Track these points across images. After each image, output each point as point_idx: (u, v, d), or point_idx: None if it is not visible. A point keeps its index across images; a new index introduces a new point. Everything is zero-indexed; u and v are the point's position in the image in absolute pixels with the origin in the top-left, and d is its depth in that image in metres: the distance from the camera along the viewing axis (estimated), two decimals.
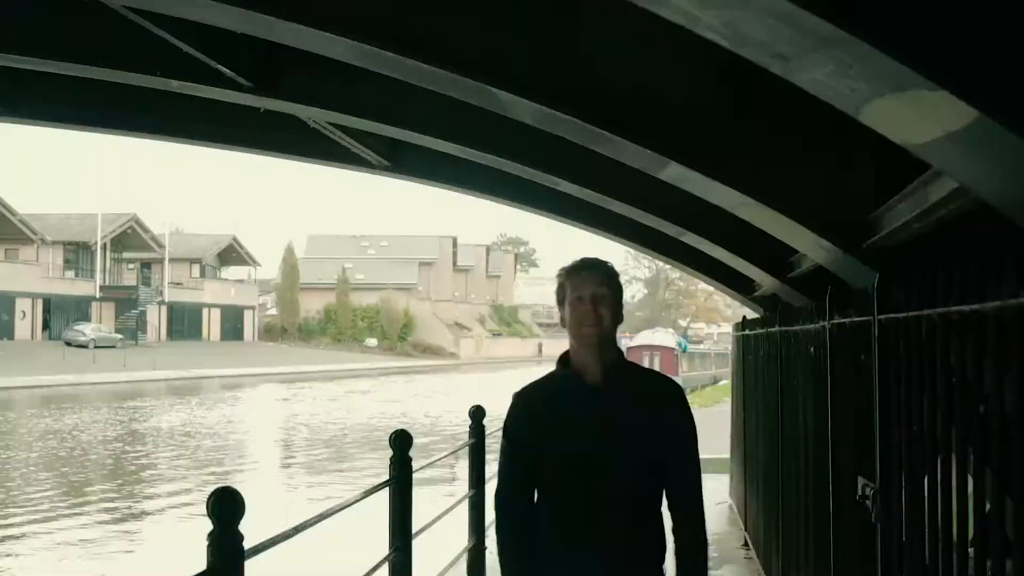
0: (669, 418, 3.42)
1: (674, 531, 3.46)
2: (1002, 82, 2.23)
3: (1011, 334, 2.40)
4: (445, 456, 9.13)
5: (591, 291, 3.40)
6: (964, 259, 2.73)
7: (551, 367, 3.55)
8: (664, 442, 3.38)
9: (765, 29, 2.33)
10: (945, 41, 2.24)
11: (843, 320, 4.56)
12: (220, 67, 5.72)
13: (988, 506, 2.67)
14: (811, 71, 2.50)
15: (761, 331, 8.61)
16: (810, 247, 5.20)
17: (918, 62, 2.20)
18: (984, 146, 2.40)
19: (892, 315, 3.62)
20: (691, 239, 7.39)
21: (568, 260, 3.59)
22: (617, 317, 3.45)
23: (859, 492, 4.18)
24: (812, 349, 5.52)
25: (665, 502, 3.46)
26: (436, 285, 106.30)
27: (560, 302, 3.50)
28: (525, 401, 3.52)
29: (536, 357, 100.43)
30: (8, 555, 14.62)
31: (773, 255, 6.66)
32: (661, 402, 3.44)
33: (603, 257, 3.58)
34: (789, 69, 2.55)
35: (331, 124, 7.35)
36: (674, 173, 4.99)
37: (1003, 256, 2.40)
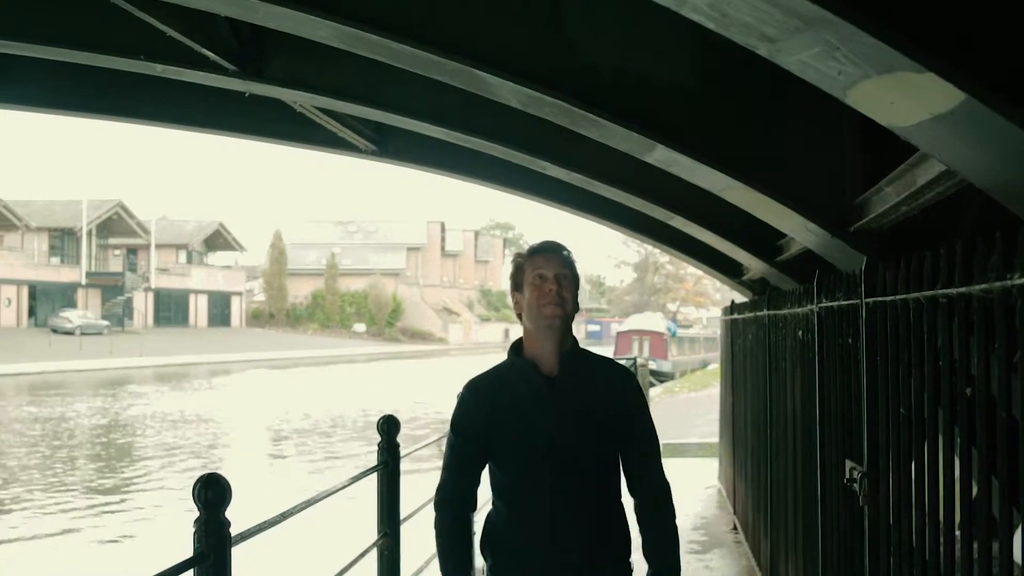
0: (624, 402, 3.35)
1: (639, 517, 3.40)
2: (988, 64, 2.23)
3: (997, 316, 2.39)
4: (433, 442, 9.11)
5: (554, 271, 3.30)
6: (951, 242, 2.73)
7: (502, 355, 3.48)
8: (621, 426, 3.32)
9: (751, 10, 2.31)
10: (931, 23, 2.23)
11: (831, 303, 4.56)
12: (204, 51, 5.67)
13: (976, 489, 2.67)
14: (797, 53, 2.48)
15: (750, 315, 8.62)
16: (798, 230, 5.20)
17: (904, 44, 2.19)
18: (971, 128, 2.39)
19: (879, 298, 3.62)
20: (679, 223, 7.38)
21: (567, 240, 3.49)
22: (576, 303, 3.35)
23: (847, 475, 4.19)
24: (800, 333, 5.52)
25: (629, 489, 3.42)
26: (424, 270, 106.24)
27: (517, 286, 3.38)
28: (476, 394, 3.41)
29: (505, 343, 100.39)
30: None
31: (761, 239, 6.65)
32: (614, 387, 3.36)
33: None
34: (775, 51, 2.53)
35: (317, 108, 7.31)
36: (661, 156, 4.97)
37: (989, 238, 2.40)
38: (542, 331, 3.29)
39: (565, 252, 3.37)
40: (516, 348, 3.41)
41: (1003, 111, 2.21)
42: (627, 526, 3.42)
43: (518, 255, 3.41)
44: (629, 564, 3.43)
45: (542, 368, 3.31)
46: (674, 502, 3.45)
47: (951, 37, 2.23)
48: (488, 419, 3.32)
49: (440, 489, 3.43)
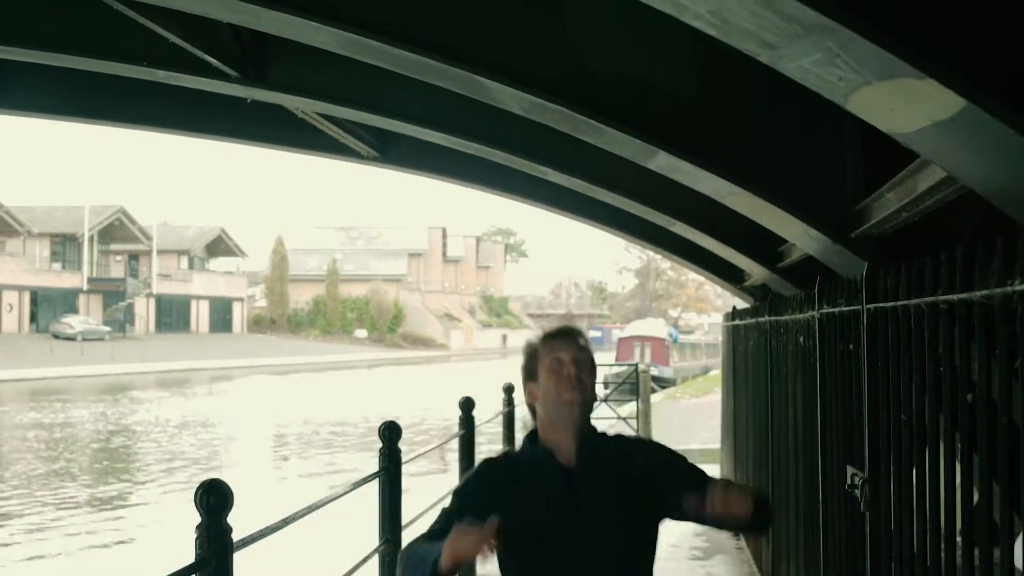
0: (649, 469, 3.05)
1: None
2: (989, 70, 2.23)
3: (998, 322, 2.40)
4: (433, 448, 9.12)
5: (572, 354, 3.02)
6: (951, 248, 2.73)
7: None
8: (662, 500, 3.00)
9: (751, 17, 2.32)
10: (932, 29, 2.24)
11: (832, 309, 4.57)
12: (206, 57, 5.69)
13: (976, 496, 2.67)
14: (798, 59, 2.49)
15: (751, 321, 8.62)
16: (799, 236, 5.20)
17: (905, 50, 2.19)
18: (971, 134, 2.40)
19: (880, 304, 3.63)
20: (681, 229, 7.39)
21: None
22: (594, 391, 3.09)
23: (848, 481, 4.19)
24: (801, 339, 5.52)
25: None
26: (426, 276, 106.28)
27: (530, 375, 3.08)
28: (495, 471, 3.13)
29: (502, 349, 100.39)
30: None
31: (763, 245, 6.66)
32: (645, 463, 3.07)
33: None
34: (776, 57, 2.54)
35: (318, 114, 7.32)
36: (663, 162, 4.98)
37: (990, 244, 2.40)
38: (562, 419, 3.01)
39: (582, 338, 3.12)
40: (532, 437, 3.12)
41: (1003, 117, 2.21)
42: None
43: (529, 342, 3.16)
44: None
45: (559, 456, 3.01)
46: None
47: (951, 43, 2.24)
48: (500, 499, 2.98)
49: (405, 549, 3.05)
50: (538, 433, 3.08)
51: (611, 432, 3.22)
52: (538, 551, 2.95)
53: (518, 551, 2.96)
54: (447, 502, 3.11)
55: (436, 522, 3.02)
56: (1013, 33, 2.25)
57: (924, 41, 2.24)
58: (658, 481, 3.00)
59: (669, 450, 3.17)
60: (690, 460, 3.13)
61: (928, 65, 2.23)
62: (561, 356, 3.01)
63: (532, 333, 3.20)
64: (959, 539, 2.81)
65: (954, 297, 2.69)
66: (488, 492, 3.03)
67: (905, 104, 2.46)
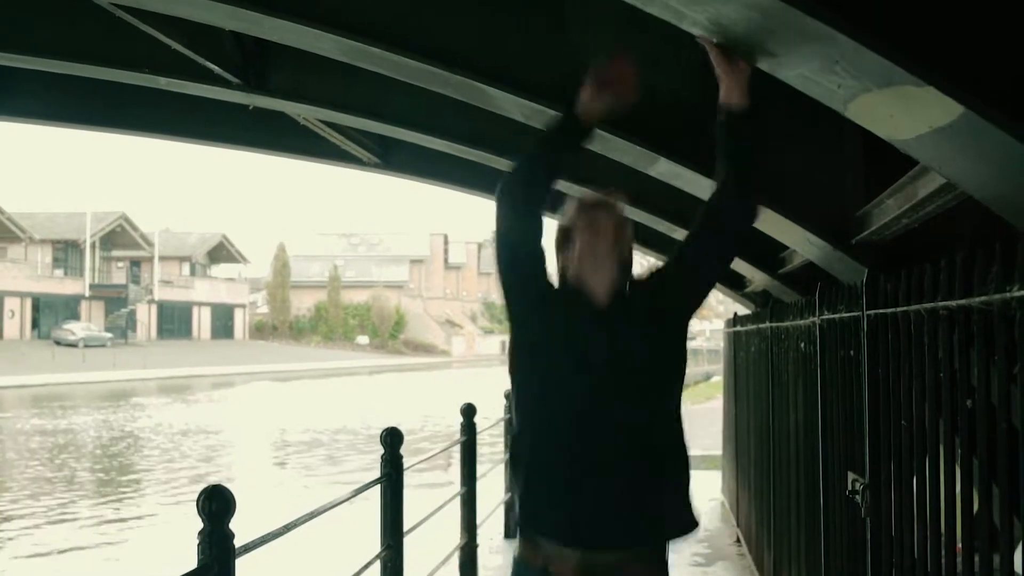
0: (663, 280, 3.11)
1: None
2: (987, 77, 2.24)
3: (997, 328, 2.41)
4: (435, 454, 9.13)
5: (612, 219, 3.07)
6: (951, 254, 2.74)
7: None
8: (681, 284, 3.08)
9: (749, 24, 2.33)
10: (930, 37, 2.25)
11: (833, 316, 4.57)
12: (208, 64, 5.71)
13: (976, 503, 2.68)
14: (797, 67, 2.50)
15: (752, 327, 8.62)
16: (800, 243, 5.21)
17: (903, 58, 2.20)
18: (970, 141, 2.41)
19: (880, 310, 3.63)
20: (682, 235, 7.38)
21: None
22: (631, 257, 3.13)
23: (849, 487, 4.19)
24: (802, 345, 5.53)
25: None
26: (427, 282, 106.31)
27: (562, 245, 3.11)
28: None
29: (501, 356, 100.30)
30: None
31: (764, 251, 6.67)
32: (660, 279, 3.12)
33: None
34: (776, 65, 2.55)
35: (321, 121, 7.34)
36: (664, 169, 4.99)
37: (989, 251, 2.41)
38: (598, 274, 3.04)
39: (621, 207, 3.16)
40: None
41: (1001, 124, 2.22)
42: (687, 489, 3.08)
43: (566, 209, 3.16)
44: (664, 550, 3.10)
45: (593, 299, 3.03)
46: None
47: (950, 51, 2.25)
48: (543, 300, 3.05)
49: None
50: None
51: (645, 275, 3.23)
52: (564, 363, 2.98)
53: (534, 358, 3.05)
54: None
55: None
56: (1011, 40, 2.26)
57: (923, 49, 2.25)
58: (678, 290, 3.07)
59: (668, 263, 3.26)
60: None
61: (927, 72, 2.24)
62: (599, 219, 3.05)
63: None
64: (959, 545, 2.81)
65: (953, 303, 2.70)
66: (547, 286, 3.08)
67: (904, 111, 2.48)
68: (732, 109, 3.00)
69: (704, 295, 3.21)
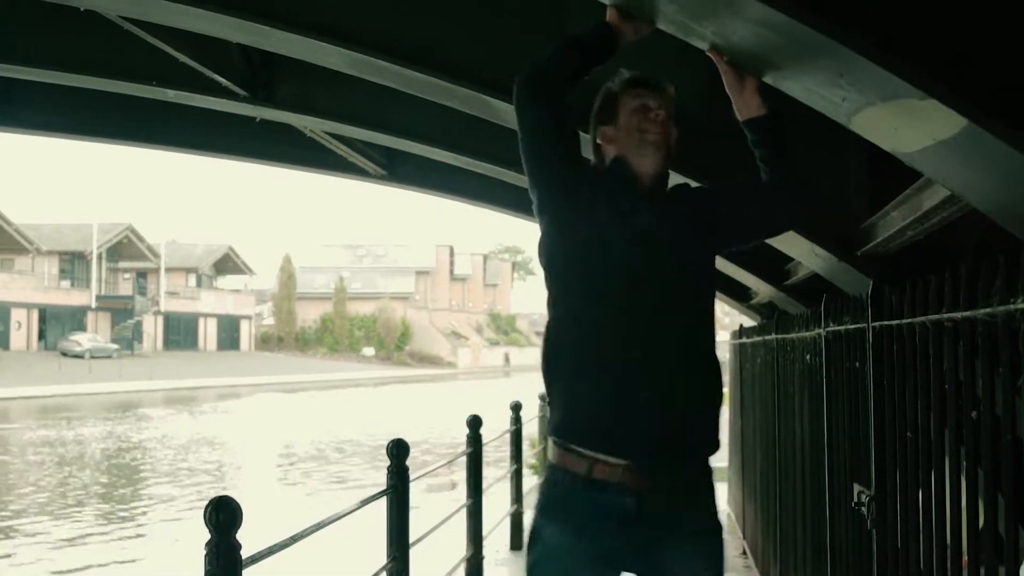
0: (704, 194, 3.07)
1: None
2: (990, 90, 2.25)
3: (1001, 340, 2.41)
4: (441, 466, 9.13)
5: (662, 100, 2.95)
6: (955, 265, 2.75)
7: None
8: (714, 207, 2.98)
9: (756, 39, 2.35)
10: (933, 50, 2.26)
11: (838, 327, 4.58)
12: (216, 76, 5.74)
13: (982, 515, 2.68)
14: (802, 80, 2.52)
15: (758, 339, 8.62)
16: (805, 255, 5.22)
17: (907, 71, 2.22)
18: (973, 153, 2.42)
19: (886, 322, 3.64)
20: None
21: None
22: (679, 145, 3.01)
23: (855, 499, 4.19)
24: (808, 356, 5.53)
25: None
26: (433, 294, 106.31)
27: (604, 119, 2.98)
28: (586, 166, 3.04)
29: (505, 367, 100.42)
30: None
31: (769, 262, 6.67)
32: (703, 206, 3.00)
33: None
34: (780, 78, 2.57)
35: (327, 133, 7.37)
36: (671, 181, 4.99)
37: (993, 262, 2.42)
38: (643, 160, 2.92)
39: (671, 88, 3.03)
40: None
41: (1004, 136, 2.24)
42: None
43: (608, 86, 3.02)
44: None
45: (637, 184, 2.92)
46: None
47: (953, 63, 2.27)
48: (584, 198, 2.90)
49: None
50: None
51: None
52: (594, 257, 2.84)
53: (572, 254, 2.88)
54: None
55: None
56: (1014, 53, 2.27)
57: (926, 62, 2.26)
58: (712, 216, 2.96)
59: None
60: None
61: (930, 86, 2.26)
62: (649, 102, 2.91)
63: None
64: (965, 557, 2.82)
65: (958, 315, 2.71)
66: (582, 173, 2.97)
67: (908, 124, 2.49)
68: (754, 122, 2.93)
69: (722, 247, 3.09)
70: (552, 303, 2.92)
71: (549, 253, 2.94)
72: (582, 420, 2.81)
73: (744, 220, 3.05)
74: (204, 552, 3.08)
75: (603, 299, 2.81)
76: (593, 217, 2.85)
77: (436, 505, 14.29)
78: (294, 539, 3.76)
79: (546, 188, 2.97)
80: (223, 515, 3.07)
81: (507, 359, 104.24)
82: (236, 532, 3.11)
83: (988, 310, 2.47)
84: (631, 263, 2.80)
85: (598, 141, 3.00)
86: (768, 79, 2.61)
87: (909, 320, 3.27)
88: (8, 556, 15.16)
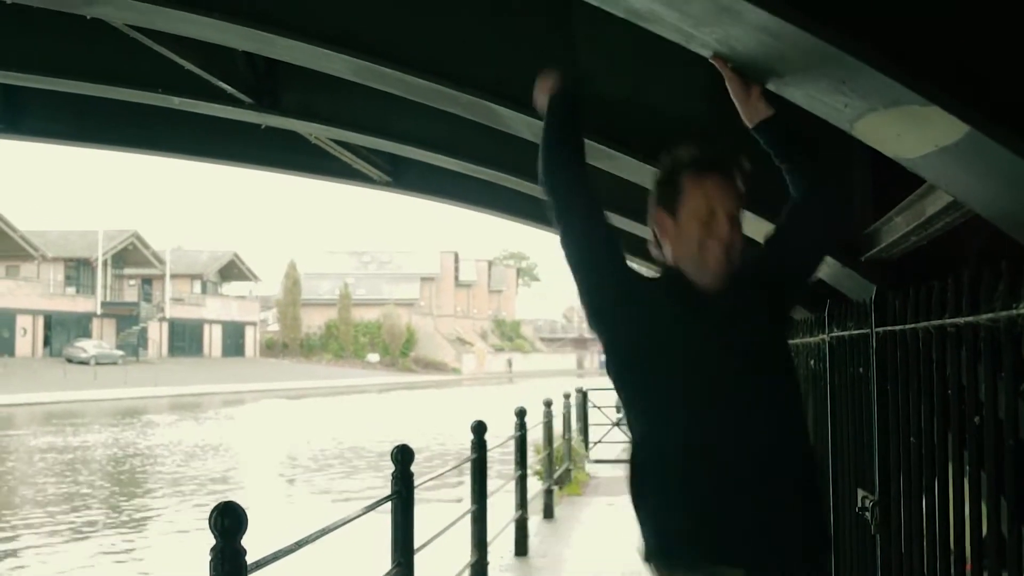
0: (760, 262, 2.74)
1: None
2: (993, 96, 2.26)
3: (1004, 345, 2.42)
4: (447, 471, 9.14)
5: (729, 204, 2.59)
6: (958, 271, 2.76)
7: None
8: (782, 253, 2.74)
9: (758, 46, 2.36)
10: (935, 56, 2.27)
11: (842, 333, 4.59)
12: (221, 84, 5.76)
13: (985, 517, 2.69)
14: (804, 86, 2.52)
15: None
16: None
17: (909, 78, 2.23)
18: (976, 160, 2.43)
19: (889, 327, 3.65)
20: None
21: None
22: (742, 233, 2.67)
23: (859, 504, 4.20)
24: (812, 362, 5.54)
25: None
26: (438, 300, 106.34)
27: (663, 202, 2.65)
28: (639, 275, 2.82)
29: (508, 373, 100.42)
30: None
31: None
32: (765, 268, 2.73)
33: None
34: (783, 85, 2.58)
35: (332, 140, 7.39)
36: None
37: (995, 268, 2.43)
38: (705, 271, 2.63)
39: (741, 173, 2.68)
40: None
41: (1006, 142, 2.24)
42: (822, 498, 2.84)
43: (670, 162, 2.70)
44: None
45: (697, 284, 2.65)
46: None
47: (955, 70, 2.27)
48: (638, 301, 2.66)
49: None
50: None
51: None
52: (667, 365, 2.60)
53: (643, 366, 2.63)
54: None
55: None
56: (1016, 59, 2.28)
57: (928, 68, 2.27)
58: (774, 274, 2.72)
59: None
60: None
61: (932, 92, 2.27)
62: (714, 204, 2.56)
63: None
64: (969, 563, 2.82)
65: (961, 320, 2.72)
66: (634, 277, 2.75)
67: (910, 130, 2.50)
68: (763, 125, 2.78)
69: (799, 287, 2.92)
70: (629, 422, 2.73)
71: (617, 369, 2.72)
72: (686, 537, 2.57)
73: (802, 258, 2.87)
74: (209, 558, 3.08)
75: (687, 409, 2.58)
76: (656, 324, 2.63)
77: (442, 514, 14.31)
78: (299, 544, 3.77)
79: (599, 295, 2.76)
80: (228, 520, 3.08)
81: (510, 365, 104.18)
82: (241, 537, 3.12)
83: (991, 315, 2.48)
84: (709, 366, 2.58)
85: (655, 224, 2.71)
86: (771, 86, 2.62)
87: (912, 325, 3.28)
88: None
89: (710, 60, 2.61)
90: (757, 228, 5.08)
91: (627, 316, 2.67)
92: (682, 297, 2.62)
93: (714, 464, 2.52)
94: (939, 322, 2.94)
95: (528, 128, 4.78)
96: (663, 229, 2.66)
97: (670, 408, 2.60)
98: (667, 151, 2.70)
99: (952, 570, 2.98)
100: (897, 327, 3.51)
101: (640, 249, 9.23)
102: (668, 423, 2.60)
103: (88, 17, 4.96)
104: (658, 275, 2.74)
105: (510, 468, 11.16)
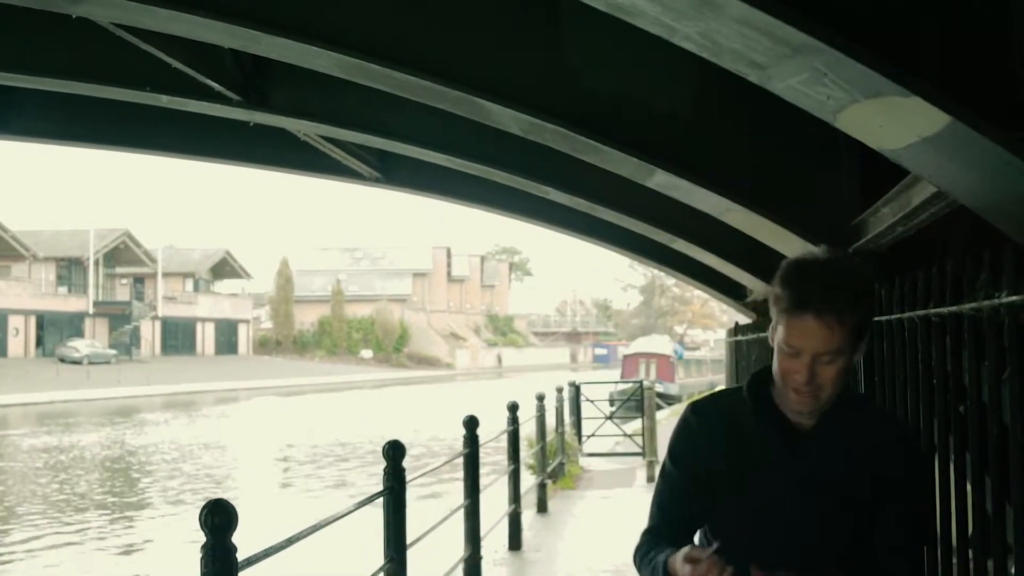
0: (887, 473, 2.32)
1: None
2: (973, 88, 2.28)
3: (987, 333, 2.44)
4: (439, 466, 9.14)
5: (813, 349, 2.20)
6: (943, 261, 2.78)
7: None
8: (876, 502, 2.32)
9: (740, 39, 2.37)
10: (915, 48, 2.28)
11: None
12: (209, 81, 5.75)
13: (970, 508, 2.70)
14: (786, 79, 2.54)
15: (753, 336, 8.65)
16: (797, 252, 5.23)
17: (889, 69, 2.24)
18: (957, 150, 2.45)
19: (876, 318, 3.66)
20: (682, 246, 7.43)
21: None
22: (848, 372, 2.28)
23: None
24: None
25: None
26: (431, 296, 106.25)
27: (771, 316, 2.31)
28: (702, 418, 2.48)
29: (497, 368, 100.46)
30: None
31: (763, 260, 6.69)
32: (880, 452, 2.33)
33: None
34: (765, 77, 2.59)
35: (321, 136, 7.38)
36: (661, 180, 5.03)
37: (977, 258, 2.45)
38: (788, 404, 2.34)
39: (841, 315, 2.18)
40: (759, 381, 2.42)
41: (987, 133, 2.26)
42: None
43: (778, 287, 2.26)
44: None
45: (790, 417, 2.36)
46: None
47: (935, 62, 2.29)
48: (713, 453, 2.41)
49: (642, 535, 2.51)
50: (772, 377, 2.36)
51: (871, 409, 2.57)
52: (743, 514, 2.39)
53: (721, 507, 2.41)
54: (661, 469, 2.53)
55: (659, 494, 2.50)
56: (995, 51, 2.30)
57: (909, 60, 2.29)
58: (881, 491, 2.33)
59: (919, 473, 2.43)
60: None
61: (913, 83, 2.28)
62: (797, 344, 2.22)
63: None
64: (970, 551, 2.84)
65: (944, 310, 2.74)
66: (704, 438, 2.43)
67: (892, 121, 2.51)
68: None
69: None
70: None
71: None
72: None
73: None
74: (200, 555, 3.09)
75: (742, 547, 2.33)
76: (733, 466, 2.39)
77: (435, 510, 14.31)
78: (290, 541, 3.78)
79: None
80: (218, 518, 3.08)
81: (499, 360, 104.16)
82: (232, 535, 3.12)
83: (974, 305, 2.50)
84: (768, 509, 2.36)
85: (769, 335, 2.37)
86: (753, 79, 2.63)
87: (898, 316, 3.29)
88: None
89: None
90: (744, 219, 5.10)
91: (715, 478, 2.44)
92: (770, 436, 2.39)
93: None
94: (924, 312, 2.96)
95: (515, 123, 4.79)
96: (772, 339, 2.36)
97: (735, 551, 2.29)
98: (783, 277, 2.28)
99: (940, 557, 3.00)
100: (883, 318, 3.53)
101: (629, 243, 9.25)
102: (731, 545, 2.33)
103: (74, 16, 4.96)
104: (753, 398, 2.43)
105: (504, 462, 11.17)
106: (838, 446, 2.33)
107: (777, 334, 2.27)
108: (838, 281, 2.20)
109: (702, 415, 2.47)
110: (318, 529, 4.16)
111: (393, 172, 8.73)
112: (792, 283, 2.23)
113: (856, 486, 2.33)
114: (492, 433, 9.76)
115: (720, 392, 2.63)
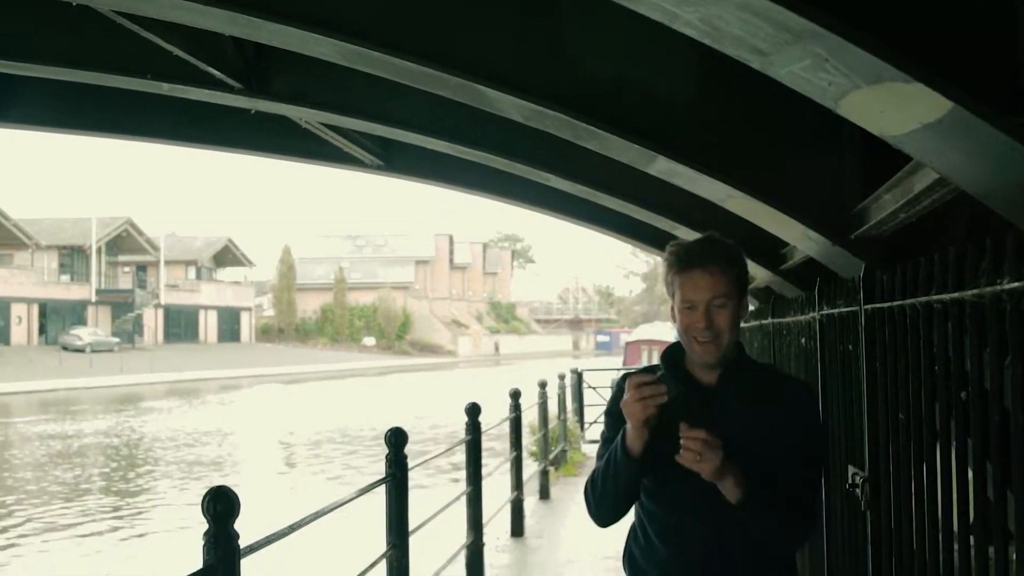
0: (790, 424, 2.79)
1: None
2: (976, 73, 2.27)
3: (989, 320, 2.44)
4: (441, 454, 9.16)
5: (706, 296, 2.70)
6: (945, 248, 2.77)
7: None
8: (780, 451, 2.76)
9: (741, 24, 2.36)
10: (918, 34, 2.28)
11: (831, 311, 4.60)
12: (210, 69, 5.74)
13: (972, 495, 2.70)
14: (788, 65, 2.53)
15: (755, 323, 8.64)
16: (799, 239, 5.23)
17: (891, 55, 2.23)
18: (960, 137, 2.44)
19: (877, 305, 3.66)
20: (684, 233, 7.41)
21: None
22: (737, 324, 2.77)
23: (849, 481, 4.22)
24: (803, 340, 5.56)
25: None
26: (433, 283, 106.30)
27: (669, 289, 2.80)
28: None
29: (495, 356, 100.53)
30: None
31: (765, 247, 6.69)
32: (783, 407, 2.82)
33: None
34: (767, 63, 2.58)
35: (323, 124, 7.37)
36: (663, 167, 5.01)
37: (980, 244, 2.44)
38: (695, 358, 2.83)
39: (723, 258, 2.74)
40: (672, 352, 2.91)
41: (990, 119, 2.25)
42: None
43: (668, 256, 2.79)
44: None
45: (697, 375, 2.83)
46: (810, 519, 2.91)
47: (938, 47, 2.28)
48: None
49: (587, 483, 2.99)
50: (684, 352, 2.86)
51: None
52: (661, 461, 2.74)
53: (650, 459, 2.77)
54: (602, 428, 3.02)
55: (600, 449, 2.96)
56: (998, 36, 2.29)
57: (911, 45, 2.28)
58: (779, 431, 2.77)
59: (808, 410, 2.92)
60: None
61: (915, 69, 2.27)
62: (692, 297, 2.71)
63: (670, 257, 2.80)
64: (956, 529, 2.84)
65: (947, 297, 2.73)
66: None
67: (895, 107, 2.50)
68: (734, 509, 2.73)
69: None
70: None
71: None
72: None
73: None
74: (202, 542, 3.10)
75: (663, 491, 2.88)
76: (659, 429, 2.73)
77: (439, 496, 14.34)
78: (292, 528, 3.79)
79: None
80: (221, 505, 3.09)
81: (496, 348, 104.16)
82: (234, 522, 3.13)
83: (976, 291, 2.49)
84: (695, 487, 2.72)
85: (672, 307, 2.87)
86: (754, 65, 2.62)
87: (900, 302, 3.29)
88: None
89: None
90: (746, 205, 5.09)
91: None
92: (684, 393, 2.79)
93: (676, 558, 2.88)
94: (926, 299, 2.95)
95: (516, 110, 4.78)
96: (672, 314, 2.86)
97: (657, 496, 2.92)
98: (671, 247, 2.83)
99: (940, 545, 3.00)
100: (885, 304, 3.53)
101: (631, 230, 9.24)
102: (654, 511, 2.95)
103: (74, 4, 4.94)
104: (667, 365, 2.89)
105: (506, 449, 11.18)
106: (737, 396, 2.80)
107: (675, 299, 2.77)
108: (713, 244, 2.78)
109: (631, 377, 2.85)
110: (320, 516, 4.17)
111: (395, 159, 8.71)
112: (679, 253, 2.77)
113: (755, 428, 2.76)
114: (493, 420, 9.77)
115: (647, 367, 3.08)
